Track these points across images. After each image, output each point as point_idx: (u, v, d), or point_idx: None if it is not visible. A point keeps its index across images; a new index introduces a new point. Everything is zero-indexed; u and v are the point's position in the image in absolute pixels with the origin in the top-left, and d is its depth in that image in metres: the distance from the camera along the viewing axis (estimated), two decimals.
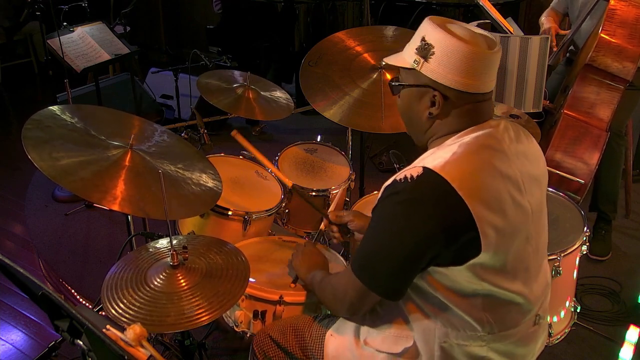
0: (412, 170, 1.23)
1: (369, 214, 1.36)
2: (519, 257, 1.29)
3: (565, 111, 2.73)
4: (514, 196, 1.25)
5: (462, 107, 1.27)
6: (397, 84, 1.35)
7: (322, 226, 1.79)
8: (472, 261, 1.21)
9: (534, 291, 1.35)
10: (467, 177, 1.20)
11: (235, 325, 1.77)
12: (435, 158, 1.23)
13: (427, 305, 1.31)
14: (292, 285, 1.74)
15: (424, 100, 1.29)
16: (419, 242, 1.21)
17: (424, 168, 1.21)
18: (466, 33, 1.25)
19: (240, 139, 1.90)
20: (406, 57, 1.30)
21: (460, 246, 1.20)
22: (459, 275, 1.24)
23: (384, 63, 1.42)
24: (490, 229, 1.20)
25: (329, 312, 1.66)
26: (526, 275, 1.31)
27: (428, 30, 1.26)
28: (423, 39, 1.26)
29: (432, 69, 1.25)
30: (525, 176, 1.29)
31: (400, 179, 1.23)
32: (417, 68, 1.27)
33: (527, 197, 1.29)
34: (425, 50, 1.25)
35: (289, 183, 1.99)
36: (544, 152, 2.67)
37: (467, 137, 1.26)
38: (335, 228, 1.76)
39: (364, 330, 1.45)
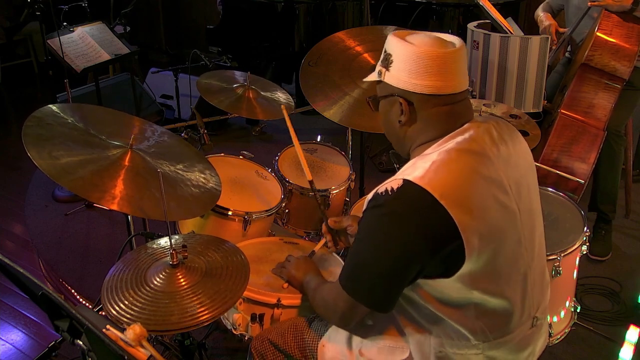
0: (393, 182, 1.22)
1: None
2: (511, 260, 1.28)
3: (562, 110, 2.73)
4: (500, 199, 1.24)
5: (430, 110, 1.28)
6: (371, 98, 1.40)
7: (322, 229, 1.79)
8: (459, 272, 1.21)
9: (530, 294, 1.34)
10: (448, 186, 1.19)
11: (234, 328, 1.76)
12: (415, 169, 1.23)
13: (420, 316, 1.32)
14: (285, 286, 1.75)
15: (394, 109, 1.32)
16: (403, 254, 1.21)
17: (404, 180, 1.20)
18: (423, 39, 1.28)
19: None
20: (376, 71, 1.36)
21: (446, 256, 1.19)
22: (449, 287, 1.24)
23: (364, 82, 1.50)
24: (475, 236, 1.19)
25: None
26: (520, 278, 1.30)
27: (389, 42, 1.31)
28: (385, 51, 1.32)
29: (393, 76, 1.29)
30: (511, 177, 1.28)
31: (382, 192, 1.23)
32: (381, 78, 1.32)
33: (514, 198, 1.28)
34: (386, 61, 1.31)
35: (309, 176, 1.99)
36: (541, 151, 2.69)
37: (447, 144, 1.26)
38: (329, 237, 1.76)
39: (357, 340, 1.45)
